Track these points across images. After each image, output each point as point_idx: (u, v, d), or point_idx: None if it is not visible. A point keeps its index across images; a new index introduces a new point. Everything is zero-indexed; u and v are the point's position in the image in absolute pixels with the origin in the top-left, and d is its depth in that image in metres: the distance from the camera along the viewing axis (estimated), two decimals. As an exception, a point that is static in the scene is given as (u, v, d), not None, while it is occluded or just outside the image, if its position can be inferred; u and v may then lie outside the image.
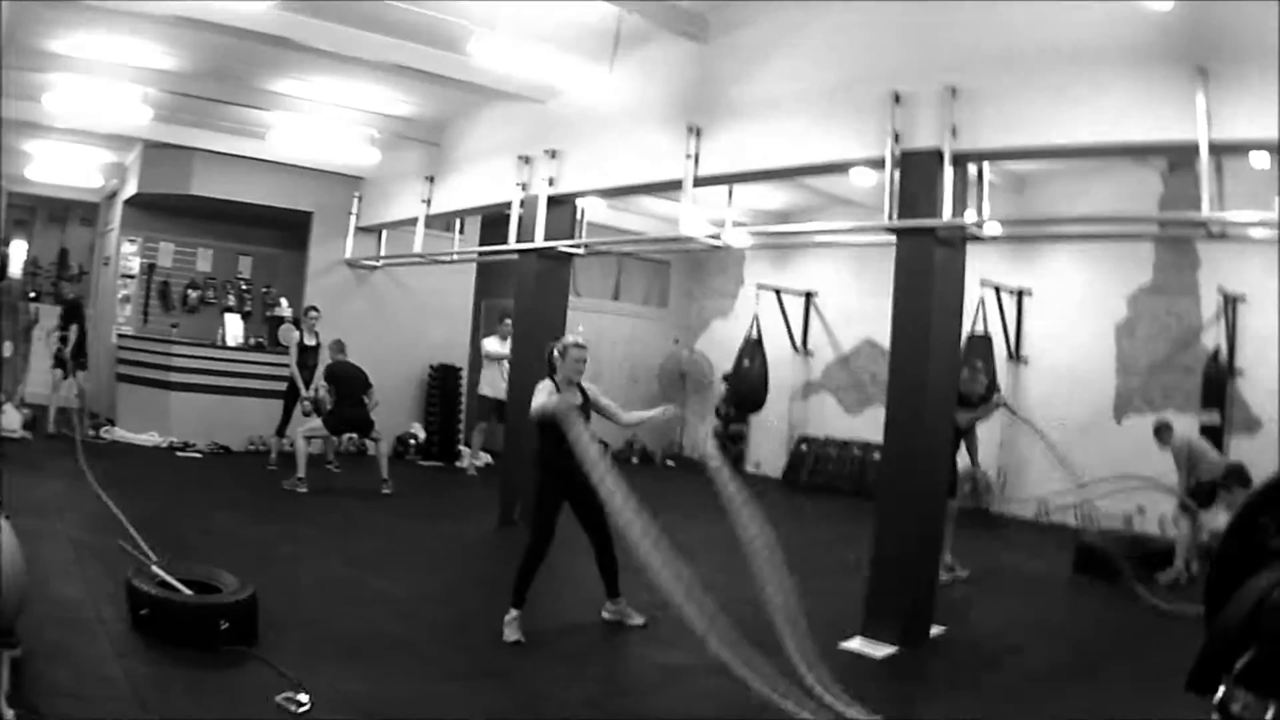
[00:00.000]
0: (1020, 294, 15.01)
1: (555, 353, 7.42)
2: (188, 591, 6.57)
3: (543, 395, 7.11)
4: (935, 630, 7.81)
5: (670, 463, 19.25)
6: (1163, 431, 11.24)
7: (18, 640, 5.07)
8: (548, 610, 7.61)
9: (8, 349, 7.49)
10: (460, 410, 17.57)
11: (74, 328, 15.09)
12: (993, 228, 7.96)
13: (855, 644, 7.40)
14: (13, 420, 13.89)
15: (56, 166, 19.12)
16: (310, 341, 14.41)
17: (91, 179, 19.89)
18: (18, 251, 24.07)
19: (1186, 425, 11.84)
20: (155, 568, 6.78)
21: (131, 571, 6.76)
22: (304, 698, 5.44)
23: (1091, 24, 6.91)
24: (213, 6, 9.62)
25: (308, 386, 14.08)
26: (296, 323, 15.96)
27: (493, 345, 15.23)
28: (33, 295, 19.58)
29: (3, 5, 9.43)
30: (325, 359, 13.96)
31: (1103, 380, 14.15)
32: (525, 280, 12.04)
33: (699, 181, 9.77)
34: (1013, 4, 7.35)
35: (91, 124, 14.88)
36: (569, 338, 7.58)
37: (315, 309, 14.83)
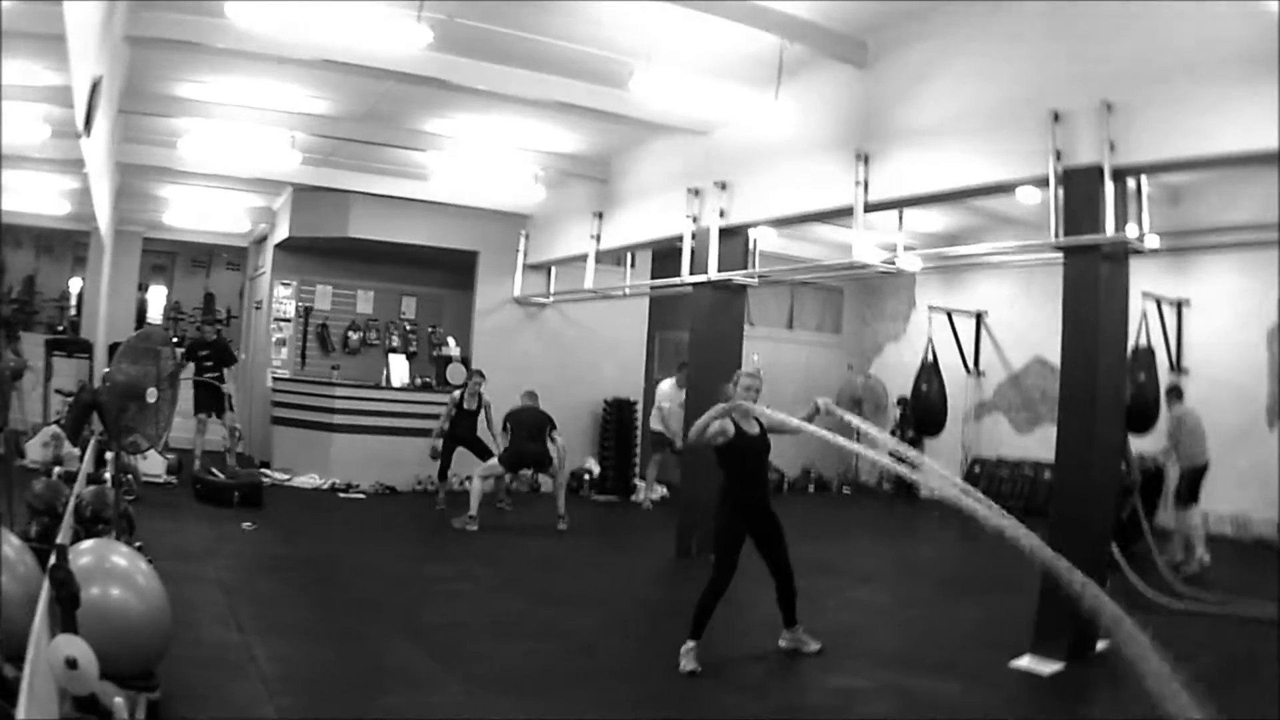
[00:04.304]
0: (1179, 305, 15.72)
1: (730, 385, 7.94)
2: (222, 478, 14.23)
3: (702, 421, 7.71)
4: (1101, 644, 8.19)
5: (846, 489, 20.13)
6: (1172, 394, 12.36)
7: (157, 683, 5.45)
8: (724, 640, 7.98)
9: (152, 394, 8.34)
10: (635, 444, 18.43)
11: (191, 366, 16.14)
12: (1153, 241, 8.39)
13: (1024, 662, 7.91)
14: (156, 466, 14.83)
15: (198, 212, 20.39)
16: (470, 406, 15.04)
17: (238, 223, 21.21)
18: (156, 297, 25.57)
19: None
20: (213, 469, 14.65)
21: (199, 470, 14.64)
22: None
23: (1241, 32, 7.11)
24: (363, 49, 10.29)
25: (446, 459, 15.06)
26: (465, 362, 17.19)
27: (667, 389, 16.27)
28: (176, 340, 20.29)
29: (119, 51, 9.93)
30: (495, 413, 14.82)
31: (1259, 387, 14.79)
32: (700, 312, 12.82)
33: (869, 207, 10.33)
34: (1161, 16, 7.65)
35: (234, 169, 15.91)
36: (743, 368, 8.20)
37: (481, 374, 15.36)
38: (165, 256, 25.94)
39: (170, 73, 12.11)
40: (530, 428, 14.11)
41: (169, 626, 5.74)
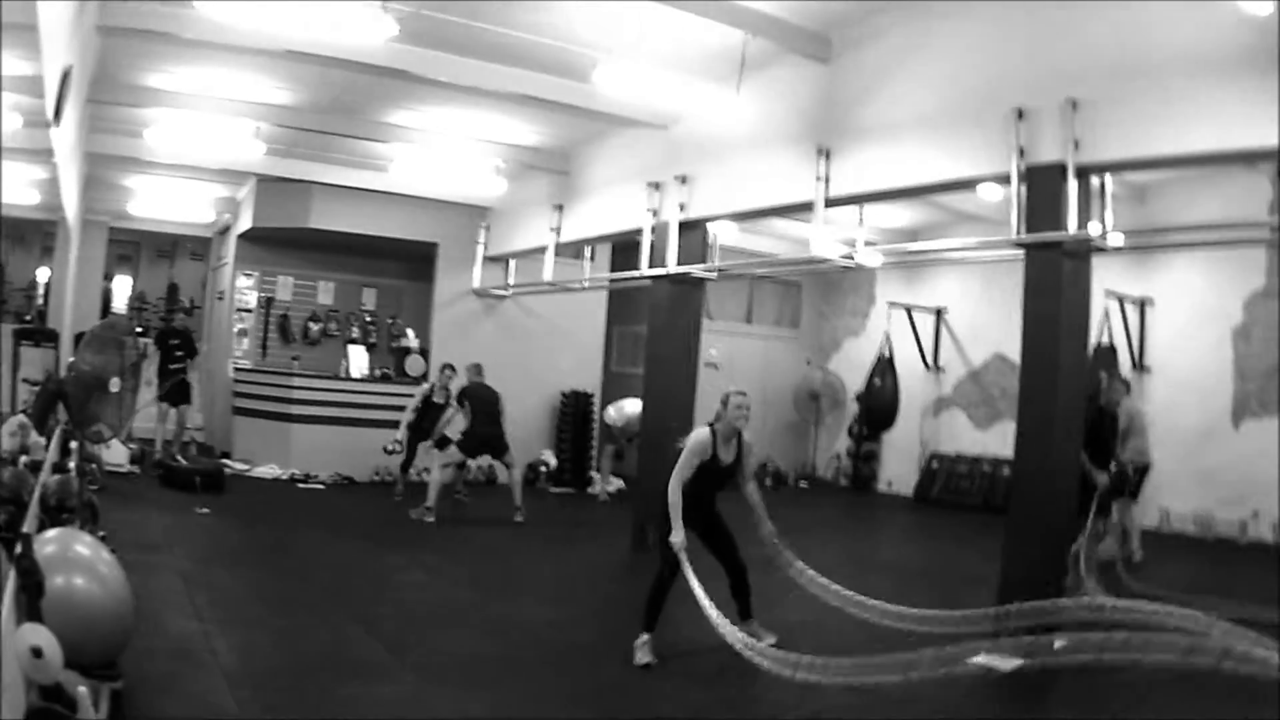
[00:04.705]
0: (1143, 303, 15.73)
1: (719, 406, 7.82)
2: (185, 463, 14.65)
3: (689, 462, 7.64)
4: (1059, 642, 8.31)
5: (803, 484, 20.17)
6: (1124, 388, 12.17)
7: (119, 673, 5.41)
8: (679, 633, 7.88)
9: (115, 384, 8.31)
10: (592, 437, 18.39)
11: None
12: (1116, 239, 8.42)
13: (981, 658, 7.87)
14: (119, 455, 14.82)
15: (163, 202, 20.27)
16: (440, 400, 14.85)
17: (202, 214, 21.02)
18: (121, 286, 25.40)
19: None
20: (177, 455, 15.17)
21: (161, 456, 15.17)
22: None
23: (1207, 31, 7.19)
24: (327, 41, 10.24)
25: (411, 450, 15.05)
26: (424, 353, 17.19)
27: (629, 410, 15.99)
28: (140, 330, 20.15)
29: (89, 41, 9.91)
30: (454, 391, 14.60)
31: (1222, 386, 14.82)
32: (658, 305, 12.69)
33: (830, 202, 10.27)
34: (1128, 15, 7.67)
35: (200, 159, 15.80)
36: (731, 386, 8.02)
37: (451, 367, 15.14)
38: (130, 246, 25.66)
39: (138, 63, 11.99)
40: (486, 410, 13.86)
41: (131, 617, 5.70)
